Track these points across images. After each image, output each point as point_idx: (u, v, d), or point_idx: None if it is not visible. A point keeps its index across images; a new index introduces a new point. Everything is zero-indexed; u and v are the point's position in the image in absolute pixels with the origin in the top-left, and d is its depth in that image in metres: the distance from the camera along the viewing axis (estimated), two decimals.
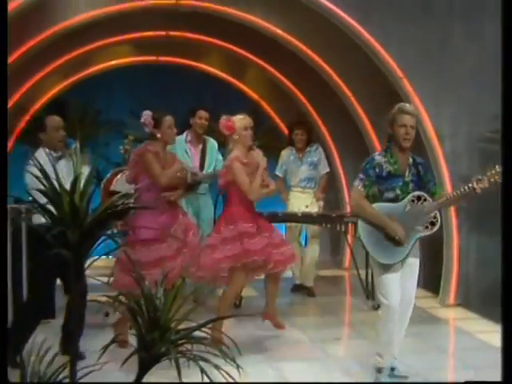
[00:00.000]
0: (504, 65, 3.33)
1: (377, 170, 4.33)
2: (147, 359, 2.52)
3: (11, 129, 9.42)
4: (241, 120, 5.24)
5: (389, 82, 6.99)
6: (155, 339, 2.53)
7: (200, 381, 2.49)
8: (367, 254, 6.62)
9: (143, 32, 8.63)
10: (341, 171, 8.72)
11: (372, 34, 6.76)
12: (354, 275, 7.29)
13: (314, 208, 7.18)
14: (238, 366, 2.57)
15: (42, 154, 4.77)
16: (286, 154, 7.41)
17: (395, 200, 4.33)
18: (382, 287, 4.37)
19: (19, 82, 8.38)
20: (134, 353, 2.49)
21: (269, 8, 7.51)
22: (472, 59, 6.72)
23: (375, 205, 4.35)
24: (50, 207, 2.35)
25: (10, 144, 9.39)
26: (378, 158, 4.39)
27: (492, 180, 4.16)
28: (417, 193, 4.31)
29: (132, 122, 10.52)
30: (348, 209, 8.41)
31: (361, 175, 4.39)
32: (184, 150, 6.47)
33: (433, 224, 4.31)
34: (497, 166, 4.14)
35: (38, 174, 4.39)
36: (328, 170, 7.47)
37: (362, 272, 6.87)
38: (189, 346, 2.58)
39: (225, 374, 2.48)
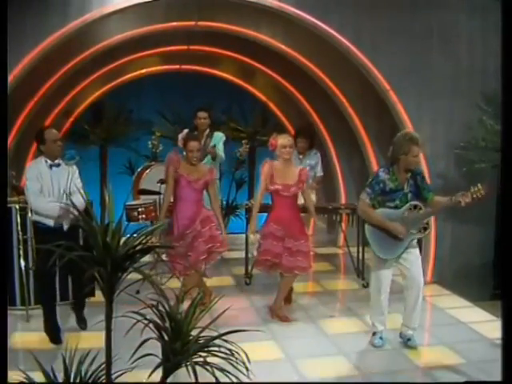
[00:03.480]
0: (503, 68, 3.19)
1: (381, 185, 4.53)
2: (169, 367, 2.51)
3: (58, 129, 9.40)
4: (281, 139, 5.35)
5: (377, 91, 6.89)
6: (176, 349, 2.51)
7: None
8: (358, 235, 6.68)
9: (168, 47, 8.60)
10: (337, 165, 8.61)
11: (363, 52, 6.63)
12: (347, 253, 7.28)
13: None
14: (248, 373, 2.55)
15: (42, 162, 4.78)
16: None
17: (395, 208, 4.57)
18: (375, 277, 4.74)
19: (66, 91, 8.35)
20: (160, 364, 2.47)
21: (274, 28, 7.42)
22: (448, 74, 6.61)
23: (380, 210, 4.57)
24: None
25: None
26: (382, 174, 4.55)
27: (475, 196, 4.29)
28: (414, 202, 4.51)
29: (159, 121, 10.56)
30: (343, 201, 8.38)
31: (368, 189, 4.57)
32: None
33: (425, 229, 4.55)
34: (479, 185, 4.30)
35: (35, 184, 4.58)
36: (322, 174, 7.20)
37: (353, 250, 6.85)
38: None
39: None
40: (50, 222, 4.73)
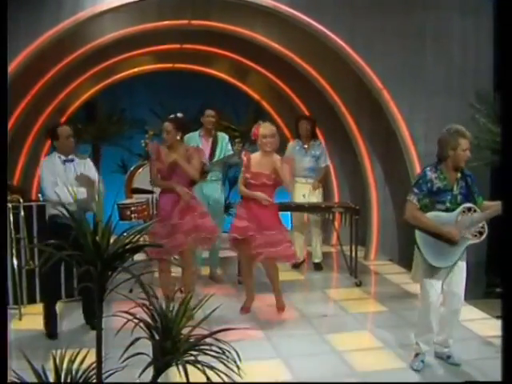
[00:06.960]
0: (499, 68, 3.17)
1: (428, 185, 4.17)
2: (160, 366, 2.51)
3: None
4: (262, 129, 5.28)
5: (371, 90, 6.91)
6: (167, 348, 2.51)
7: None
8: (351, 234, 6.67)
9: (161, 45, 8.55)
10: (330, 164, 8.58)
11: (356, 51, 6.69)
12: (340, 252, 7.32)
13: (312, 198, 7.00)
14: (239, 370, 2.55)
15: (55, 157, 4.96)
16: (293, 146, 7.12)
17: (446, 211, 4.17)
18: (425, 287, 4.31)
19: (59, 90, 8.32)
20: (151, 363, 2.47)
21: (268, 27, 7.40)
22: (442, 74, 6.64)
23: (431, 214, 4.19)
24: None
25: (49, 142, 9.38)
26: (429, 173, 4.21)
27: None
28: (468, 205, 4.15)
29: (152, 120, 10.50)
30: (336, 200, 8.37)
31: (415, 189, 4.21)
32: (196, 144, 6.35)
33: (481, 233, 4.18)
34: None
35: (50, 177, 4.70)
36: (328, 163, 7.26)
37: (346, 248, 6.87)
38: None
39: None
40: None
